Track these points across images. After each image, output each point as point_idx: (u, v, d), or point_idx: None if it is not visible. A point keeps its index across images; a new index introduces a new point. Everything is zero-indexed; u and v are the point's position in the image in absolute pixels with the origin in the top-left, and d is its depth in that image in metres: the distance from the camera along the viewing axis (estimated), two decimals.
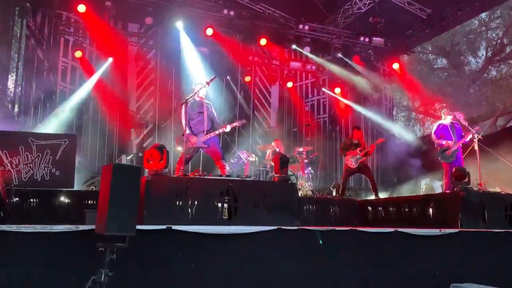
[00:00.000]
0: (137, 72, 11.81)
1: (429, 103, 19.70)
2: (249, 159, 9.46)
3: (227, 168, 7.47)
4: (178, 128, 9.47)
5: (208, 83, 6.69)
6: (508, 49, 20.69)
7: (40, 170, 6.15)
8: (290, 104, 13.96)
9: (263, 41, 11.58)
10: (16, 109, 9.69)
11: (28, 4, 9.63)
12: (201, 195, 4.87)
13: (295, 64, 13.13)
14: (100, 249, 3.45)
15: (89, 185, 8.58)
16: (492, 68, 21.26)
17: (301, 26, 11.69)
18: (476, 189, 6.24)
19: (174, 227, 4.10)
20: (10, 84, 10.74)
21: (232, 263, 4.31)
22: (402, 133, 13.84)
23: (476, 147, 7.30)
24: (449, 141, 7.91)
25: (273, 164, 6.37)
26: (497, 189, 6.85)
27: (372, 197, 8.51)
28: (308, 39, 11.94)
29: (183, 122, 6.72)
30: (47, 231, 3.66)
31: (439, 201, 6.21)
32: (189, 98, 6.59)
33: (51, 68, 10.47)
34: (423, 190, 10.14)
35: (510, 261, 5.39)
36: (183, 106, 6.56)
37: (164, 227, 4.07)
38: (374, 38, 12.08)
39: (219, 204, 4.93)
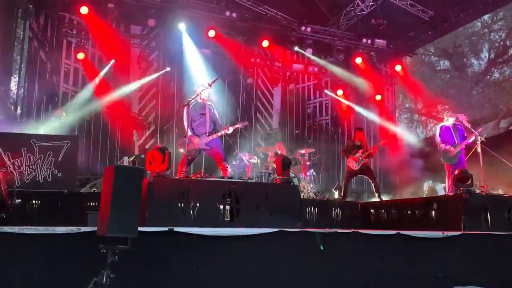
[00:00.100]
0: (139, 74, 11.82)
1: (431, 105, 19.69)
2: (251, 161, 9.46)
3: (229, 170, 7.47)
4: (180, 129, 9.49)
5: (210, 85, 6.69)
6: (511, 51, 20.66)
7: (42, 171, 6.15)
8: (292, 106, 13.96)
9: (265, 43, 11.59)
10: (18, 111, 9.71)
11: (31, 6, 9.66)
12: (203, 197, 4.87)
13: (297, 66, 13.12)
14: (102, 250, 3.45)
15: (91, 186, 8.59)
16: (495, 70, 21.24)
17: (303, 28, 11.69)
18: (479, 191, 6.22)
19: (176, 229, 4.09)
20: (13, 85, 10.77)
21: (234, 265, 4.30)
22: (405, 135, 13.82)
23: (479, 149, 7.28)
24: (452, 147, 7.89)
25: (275, 166, 6.37)
26: (500, 192, 6.84)
27: (375, 199, 8.49)
28: (311, 41, 11.93)
29: (185, 123, 6.73)
30: (49, 233, 3.66)
31: (442, 204, 6.18)
32: (191, 100, 6.59)
33: (54, 70, 10.49)
34: (426, 192, 10.11)
35: None
36: (185, 107, 6.57)
37: (166, 229, 4.06)
38: (376, 40, 12.08)
39: (221, 206, 4.93)
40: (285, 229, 4.57)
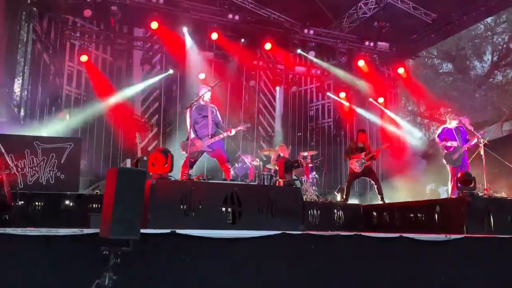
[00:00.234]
0: (142, 76, 11.85)
1: (434, 108, 19.65)
2: (254, 163, 9.46)
3: (232, 172, 7.47)
4: (182, 132, 9.49)
5: (212, 87, 6.70)
6: None
7: (45, 173, 6.17)
8: (295, 108, 13.98)
9: (268, 46, 11.60)
10: (22, 113, 9.74)
11: (34, 8, 9.70)
12: (205, 199, 4.87)
13: (300, 69, 13.13)
14: (104, 252, 3.45)
15: (93, 188, 8.61)
16: (498, 73, 21.21)
17: (306, 31, 11.70)
18: (481, 194, 6.20)
19: (178, 231, 4.09)
20: (16, 87, 10.81)
21: (236, 268, 4.29)
22: (407, 137, 13.78)
23: (482, 152, 7.26)
24: (453, 142, 7.87)
25: (277, 168, 6.37)
26: (503, 194, 6.81)
27: (377, 201, 8.47)
28: (313, 44, 11.93)
29: (188, 126, 6.75)
30: (51, 235, 3.67)
31: (444, 206, 6.16)
32: (193, 102, 6.61)
33: (57, 72, 10.53)
34: (428, 195, 10.09)
35: None
36: (188, 110, 6.59)
37: (168, 231, 4.06)
38: (379, 43, 12.07)
39: (224, 208, 4.93)
40: (287, 232, 4.56)
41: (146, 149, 11.12)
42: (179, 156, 6.54)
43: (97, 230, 3.60)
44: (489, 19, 18.95)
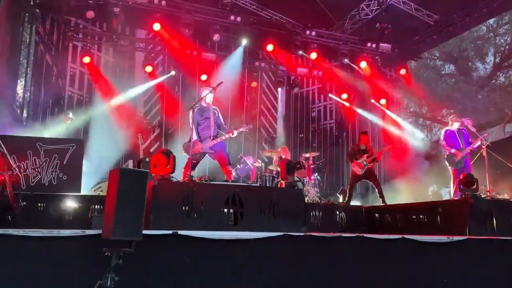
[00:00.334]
0: (144, 78, 11.86)
1: (436, 109, 19.61)
2: (256, 164, 9.45)
3: (234, 173, 7.47)
4: (184, 133, 9.50)
5: (214, 89, 6.71)
6: None
7: (47, 174, 6.17)
8: (297, 109, 13.98)
9: (270, 47, 11.59)
10: (24, 114, 9.76)
11: (37, 10, 9.73)
12: (207, 200, 4.88)
13: (302, 70, 13.12)
14: (106, 253, 3.46)
15: (96, 189, 8.61)
16: (501, 74, 21.15)
17: (308, 32, 11.70)
18: (484, 196, 6.19)
19: (180, 232, 4.10)
20: (19, 89, 10.82)
21: (238, 269, 4.29)
22: (410, 139, 13.77)
23: (484, 154, 7.25)
24: (458, 151, 7.86)
25: (279, 169, 6.36)
26: (506, 196, 6.79)
27: (379, 203, 8.46)
28: (315, 45, 11.93)
29: (191, 127, 6.75)
30: (54, 236, 3.68)
31: (447, 208, 6.16)
32: (195, 104, 6.61)
33: (60, 74, 10.56)
34: (431, 196, 10.07)
35: None
36: (190, 111, 6.59)
37: (170, 232, 4.07)
38: (381, 44, 12.06)
39: (225, 210, 4.94)
40: (289, 233, 4.56)
41: (148, 150, 11.14)
42: (181, 158, 6.55)
43: (99, 231, 3.61)
44: (491, 21, 18.90)
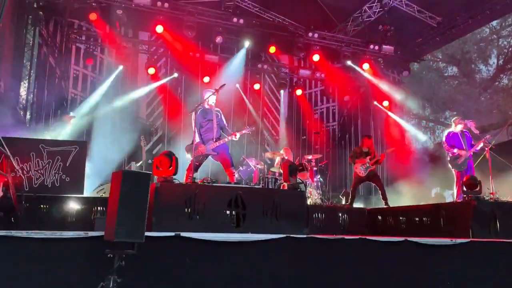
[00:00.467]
0: (147, 80, 11.89)
1: (439, 111, 19.56)
2: (258, 166, 9.45)
3: (236, 175, 7.46)
4: (187, 135, 9.51)
5: (217, 91, 6.71)
6: None
7: (50, 176, 6.19)
8: (299, 111, 13.98)
9: (272, 49, 11.61)
10: (28, 116, 9.81)
11: (41, 12, 9.78)
12: (209, 202, 4.88)
13: (304, 72, 13.14)
14: (108, 255, 3.46)
15: (98, 191, 8.62)
16: (504, 76, 21.08)
17: (310, 34, 11.71)
18: (487, 198, 6.16)
19: (183, 234, 4.10)
20: (23, 91, 10.89)
21: (240, 271, 4.29)
22: (412, 141, 13.74)
23: (487, 156, 7.22)
24: (461, 150, 7.85)
25: (282, 171, 6.35)
26: (509, 198, 6.76)
27: (382, 205, 8.44)
28: (318, 47, 11.94)
29: (194, 129, 6.76)
30: (56, 237, 3.68)
31: (450, 210, 6.13)
32: (198, 106, 6.61)
33: (63, 76, 10.60)
34: (434, 198, 10.03)
35: None
36: (193, 113, 6.59)
37: (172, 234, 4.07)
38: (384, 46, 12.06)
39: (228, 212, 4.93)
40: (292, 235, 4.55)
41: (151, 152, 11.14)
42: (184, 159, 6.55)
43: (102, 233, 3.61)
44: (494, 22, 18.86)
